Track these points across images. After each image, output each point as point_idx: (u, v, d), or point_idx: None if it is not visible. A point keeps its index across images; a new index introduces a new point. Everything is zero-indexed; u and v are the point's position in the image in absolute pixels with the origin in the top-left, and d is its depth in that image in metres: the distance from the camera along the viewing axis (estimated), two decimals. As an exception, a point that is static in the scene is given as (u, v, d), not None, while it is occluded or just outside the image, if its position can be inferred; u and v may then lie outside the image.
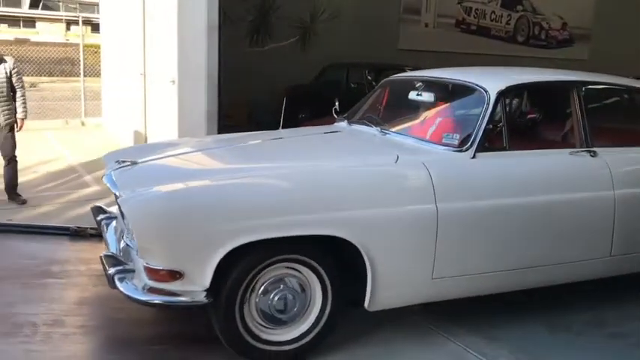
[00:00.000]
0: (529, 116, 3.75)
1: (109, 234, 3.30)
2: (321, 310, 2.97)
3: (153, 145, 5.09)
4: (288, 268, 2.90)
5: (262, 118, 8.21)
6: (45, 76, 19.93)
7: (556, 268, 3.44)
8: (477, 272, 3.22)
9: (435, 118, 3.65)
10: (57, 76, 19.86)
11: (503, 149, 3.29)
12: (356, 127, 3.96)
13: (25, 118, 5.91)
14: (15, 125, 5.81)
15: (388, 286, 2.98)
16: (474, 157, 3.19)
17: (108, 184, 3.16)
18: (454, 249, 3.11)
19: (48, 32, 28.29)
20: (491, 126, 3.25)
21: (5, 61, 5.73)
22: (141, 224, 2.70)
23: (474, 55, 12.58)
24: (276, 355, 2.91)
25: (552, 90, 3.97)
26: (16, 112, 5.76)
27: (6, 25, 28.68)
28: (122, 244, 3.14)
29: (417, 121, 3.75)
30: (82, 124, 11.56)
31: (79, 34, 19.62)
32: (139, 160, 3.38)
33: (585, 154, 3.51)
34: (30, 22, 29.69)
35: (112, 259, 2.95)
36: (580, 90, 3.61)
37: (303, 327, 2.96)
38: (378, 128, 3.72)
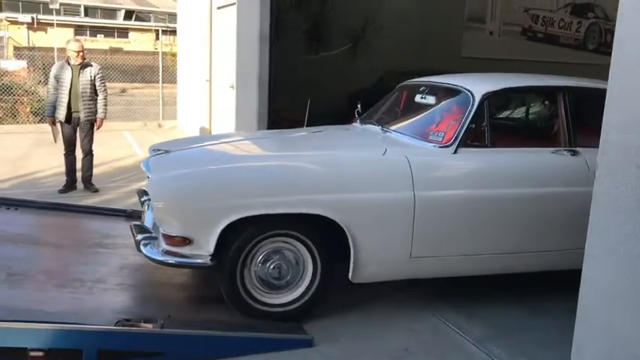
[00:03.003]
0: (513, 117, 4.07)
1: (148, 211, 3.95)
2: (311, 279, 3.46)
3: (191, 138, 5.83)
4: (283, 242, 3.41)
5: (317, 120, 8.75)
6: (135, 82, 21.46)
7: (530, 256, 3.74)
8: (453, 255, 3.61)
9: (427, 117, 4.09)
10: (145, 82, 21.33)
11: (485, 146, 3.66)
12: (366, 126, 4.45)
13: (105, 118, 6.76)
14: (94, 123, 6.69)
15: (369, 262, 3.44)
16: (455, 152, 3.59)
17: (144, 169, 3.81)
18: (431, 232, 3.50)
19: (139, 42, 30.31)
20: (474, 125, 3.63)
21: (91, 66, 6.61)
22: (158, 199, 3.34)
23: (541, 63, 12.53)
24: (271, 315, 3.41)
25: (537, 94, 4.29)
26: (96, 112, 6.65)
27: (102, 35, 31.00)
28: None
29: (413, 121, 4.19)
30: (159, 125, 12.58)
31: (165, 43, 21.03)
32: (172, 150, 4.06)
33: (566, 153, 3.80)
34: (123, 33, 31.87)
35: (140, 229, 3.61)
36: (565, 94, 3.89)
37: (296, 293, 3.47)
38: (381, 127, 4.19)
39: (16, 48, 25.09)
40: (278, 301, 3.45)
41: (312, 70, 8.87)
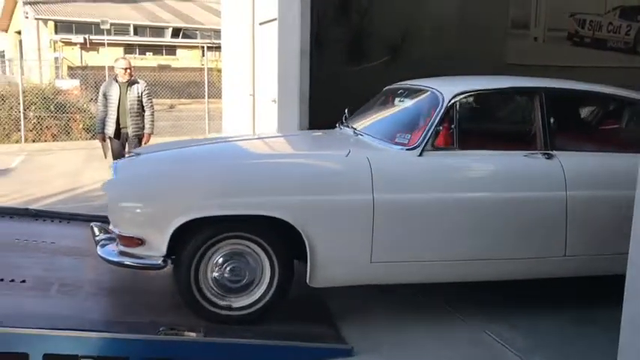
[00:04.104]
0: (486, 119, 3.96)
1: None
2: (269, 282, 3.41)
3: (175, 142, 5.85)
4: (240, 244, 3.38)
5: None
6: (182, 98, 22.04)
7: (501, 263, 3.61)
8: (416, 260, 3.50)
9: (398, 120, 4.06)
10: (191, 98, 21.88)
11: (454, 149, 3.55)
12: (343, 130, 4.36)
13: (152, 133, 6.99)
14: (142, 138, 6.92)
15: (327, 266, 3.37)
16: (420, 155, 3.49)
17: (112, 171, 3.79)
18: (392, 236, 3.41)
19: (186, 58, 31.08)
20: (441, 127, 3.53)
21: (138, 83, 6.86)
22: (110, 200, 3.41)
23: (589, 68, 12.25)
24: (228, 319, 3.38)
25: (511, 96, 4.10)
26: (144, 128, 6.88)
27: (151, 53, 31.90)
28: None
29: (385, 124, 4.12)
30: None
31: (211, 59, 21.50)
32: (142, 152, 4.17)
33: (540, 156, 3.64)
34: (171, 50, 32.73)
35: (101, 229, 3.68)
36: (542, 96, 3.73)
37: (254, 297, 3.42)
38: (354, 130, 4.12)
39: (69, 68, 26.16)
40: (235, 305, 3.42)
41: (353, 82, 8.89)
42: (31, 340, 2.90)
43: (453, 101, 3.58)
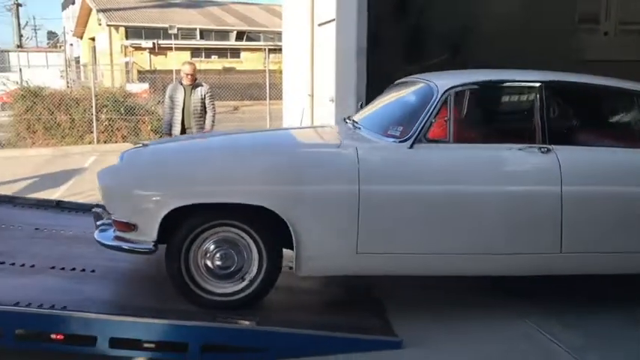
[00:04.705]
0: (482, 113, 3.88)
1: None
2: (258, 269, 3.48)
3: (183, 136, 6.20)
4: (230, 232, 3.46)
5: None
6: (245, 99, 22.54)
7: (492, 258, 3.54)
8: (404, 252, 3.48)
9: (394, 113, 4.03)
10: (254, 99, 22.35)
11: (446, 142, 3.52)
12: (346, 123, 4.34)
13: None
14: (204, 138, 7.19)
15: (313, 255, 3.41)
16: (411, 147, 3.46)
17: (118, 159, 3.90)
18: (378, 228, 3.41)
19: (250, 61, 31.71)
20: (434, 120, 3.50)
21: (202, 86, 7.15)
22: (103, 187, 3.56)
23: (664, 61, 11.72)
24: (218, 304, 3.46)
25: (508, 89, 4.00)
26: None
27: (216, 56, 32.78)
28: None
29: (381, 117, 4.09)
30: (267, 140, 13.14)
31: (274, 61, 21.92)
32: (150, 144, 4.31)
33: (536, 150, 3.54)
34: (236, 53, 33.51)
35: (103, 214, 3.79)
36: (539, 89, 3.63)
37: (243, 283, 3.50)
38: (353, 123, 4.13)
39: (139, 72, 27.23)
40: (224, 291, 3.50)
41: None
42: (100, 325, 3.11)
43: (446, 94, 3.54)
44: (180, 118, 7.00)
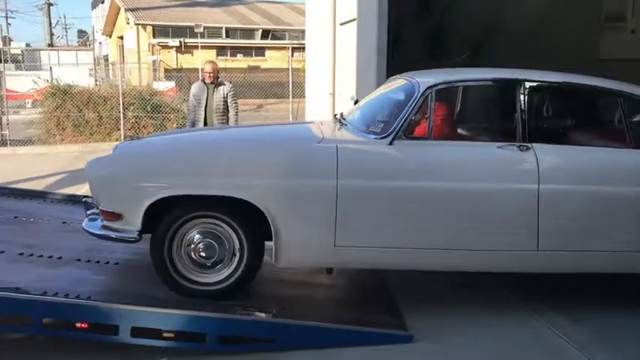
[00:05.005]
0: (464, 111, 3.90)
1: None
2: (239, 261, 3.59)
3: (179, 130, 6.26)
4: (211, 223, 3.57)
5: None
6: (269, 98, 22.69)
7: (468, 254, 3.56)
8: (381, 246, 3.55)
9: (378, 110, 4.07)
10: (278, 97, 22.50)
11: (426, 139, 3.57)
12: (335, 119, 4.43)
13: (235, 130, 7.41)
14: (226, 137, 7.33)
15: (291, 248, 3.50)
16: (391, 143, 3.52)
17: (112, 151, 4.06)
18: (356, 222, 3.48)
19: (274, 59, 31.89)
20: (414, 117, 3.56)
21: (224, 85, 7.28)
22: (91, 178, 3.69)
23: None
24: (202, 294, 3.59)
25: (489, 87, 4.00)
26: (228, 127, 7.28)
27: (242, 54, 33.04)
28: None
29: (367, 114, 4.12)
30: (289, 138, 13.26)
31: (299, 59, 22.03)
32: (142, 137, 4.48)
33: (515, 148, 3.56)
34: (260, 51, 33.72)
35: (90, 206, 3.93)
36: (519, 88, 3.63)
37: (224, 274, 3.61)
38: (340, 120, 4.19)
39: (166, 70, 27.58)
40: (206, 280, 3.62)
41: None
42: (123, 315, 3.24)
43: (427, 92, 3.58)
44: (203, 116, 7.13)
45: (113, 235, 3.61)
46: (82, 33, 57.83)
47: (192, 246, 3.61)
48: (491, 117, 4.17)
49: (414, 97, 3.60)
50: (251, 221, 3.54)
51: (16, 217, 4.78)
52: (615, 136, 3.74)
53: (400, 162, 3.55)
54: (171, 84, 20.62)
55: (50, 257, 3.97)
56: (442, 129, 3.70)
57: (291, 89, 13.49)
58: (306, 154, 3.60)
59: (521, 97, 3.62)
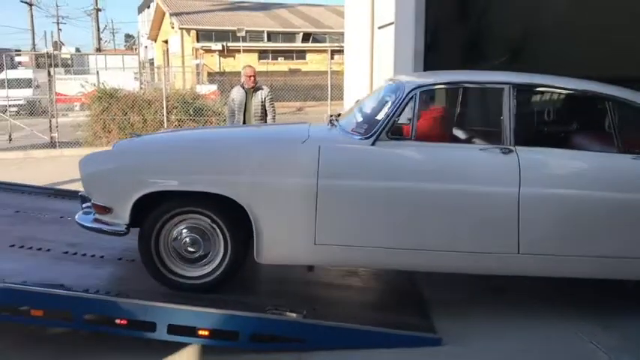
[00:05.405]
0: (450, 113, 3.88)
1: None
2: (222, 256, 3.68)
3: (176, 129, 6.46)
4: (197, 219, 3.67)
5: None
6: (308, 100, 22.83)
7: (447, 255, 3.57)
8: (361, 245, 3.57)
9: (364, 111, 4.07)
10: (318, 100, 22.61)
11: (409, 139, 3.57)
12: (328, 121, 4.41)
13: (273, 134, 7.54)
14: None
15: (272, 244, 3.57)
16: (373, 144, 3.55)
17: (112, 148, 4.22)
18: (336, 220, 3.54)
19: (315, 62, 32.06)
20: (398, 118, 3.57)
21: (262, 89, 7.42)
22: (82, 174, 3.82)
23: None
24: (189, 287, 3.69)
25: (475, 90, 4.01)
26: (266, 130, 7.43)
27: (283, 58, 33.36)
28: None
29: (356, 115, 4.14)
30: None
31: (339, 62, 22.07)
32: (142, 134, 4.67)
33: (497, 151, 3.54)
34: (301, 54, 33.96)
35: (85, 199, 4.03)
36: (505, 91, 3.60)
37: (209, 268, 3.71)
38: (331, 121, 4.24)
39: (209, 73, 28.06)
40: (191, 274, 3.72)
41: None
42: (160, 312, 3.38)
43: (412, 93, 3.59)
44: (242, 120, 7.27)
45: (103, 227, 3.76)
46: (128, 37, 59.45)
47: (178, 241, 3.72)
48: (476, 119, 4.21)
49: (398, 98, 3.64)
50: (235, 218, 3.63)
51: (61, 217, 5.00)
52: (602, 140, 3.69)
53: (381, 162, 3.59)
54: (214, 87, 20.95)
55: (93, 256, 4.15)
56: (425, 130, 3.74)
57: (329, 92, 13.59)
58: (289, 153, 3.68)
59: (507, 100, 3.60)
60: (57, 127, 13.07)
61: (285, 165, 3.61)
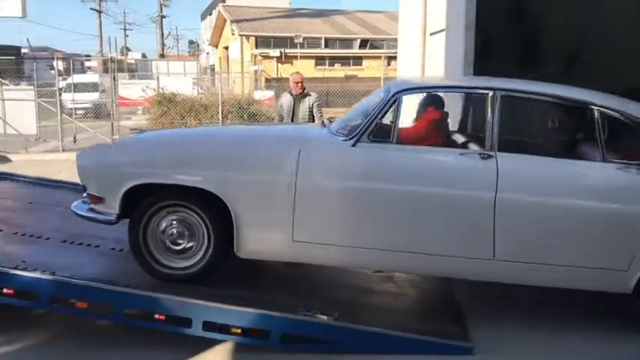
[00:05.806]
0: (432, 117, 3.85)
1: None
2: (206, 248, 3.76)
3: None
4: (182, 212, 3.77)
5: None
6: (364, 106, 22.83)
7: (423, 257, 3.58)
8: (338, 244, 3.63)
9: (353, 113, 4.12)
10: (373, 106, 22.57)
11: (389, 142, 3.59)
12: (322, 123, 4.45)
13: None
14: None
15: (251, 239, 3.67)
16: (354, 145, 3.60)
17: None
18: (313, 219, 3.61)
19: (371, 68, 32.03)
20: (379, 121, 3.60)
21: (310, 96, 7.52)
22: (77, 165, 4.04)
23: None
24: (175, 277, 3.79)
25: (459, 95, 4.09)
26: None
27: (339, 64, 33.50)
28: None
29: (346, 117, 4.19)
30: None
31: (394, 68, 21.98)
32: (145, 130, 4.90)
33: (476, 156, 3.55)
34: (358, 60, 34.01)
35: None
36: (487, 97, 3.60)
37: (194, 259, 3.80)
38: (323, 123, 4.32)
39: (267, 79, 28.52)
40: (176, 265, 3.82)
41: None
42: (198, 309, 3.50)
43: (395, 97, 3.63)
44: (290, 125, 7.41)
45: (95, 216, 3.94)
46: (191, 43, 61.14)
47: (165, 232, 3.84)
48: (458, 124, 4.23)
49: (381, 102, 3.69)
50: (218, 212, 3.72)
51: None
52: (584, 148, 3.64)
53: (360, 164, 3.65)
54: (270, 93, 21.30)
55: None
56: (407, 134, 3.77)
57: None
58: (269, 151, 3.79)
59: (489, 106, 3.61)
60: (118, 129, 13.62)
61: (266, 163, 3.72)
